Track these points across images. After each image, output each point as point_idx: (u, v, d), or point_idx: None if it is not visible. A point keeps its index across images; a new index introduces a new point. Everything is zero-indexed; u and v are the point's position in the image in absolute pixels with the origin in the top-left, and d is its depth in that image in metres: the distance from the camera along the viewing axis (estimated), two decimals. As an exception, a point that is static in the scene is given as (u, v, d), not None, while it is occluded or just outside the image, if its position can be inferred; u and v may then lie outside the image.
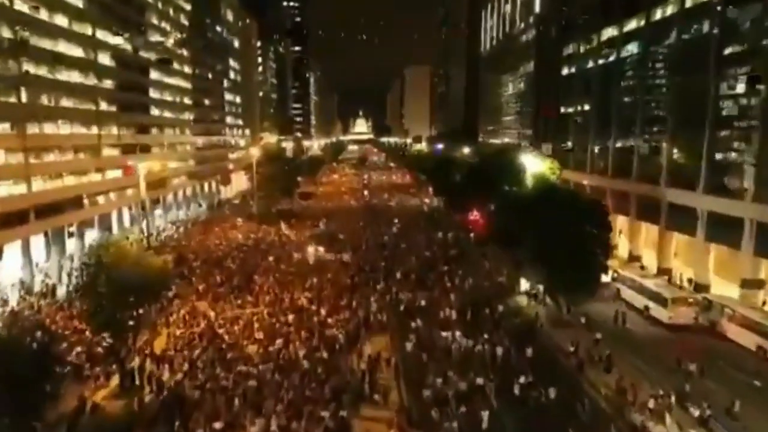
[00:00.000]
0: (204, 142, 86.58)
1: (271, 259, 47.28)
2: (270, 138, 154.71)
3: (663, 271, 45.04)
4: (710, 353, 29.30)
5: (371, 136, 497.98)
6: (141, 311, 27.12)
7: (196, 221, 70.77)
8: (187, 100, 78.67)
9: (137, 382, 24.69)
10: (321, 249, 51.76)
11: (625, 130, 53.23)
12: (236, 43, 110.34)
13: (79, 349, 25.72)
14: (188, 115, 79.59)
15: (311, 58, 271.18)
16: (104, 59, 53.45)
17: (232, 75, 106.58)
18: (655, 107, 48.95)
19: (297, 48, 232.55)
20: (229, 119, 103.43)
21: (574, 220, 32.31)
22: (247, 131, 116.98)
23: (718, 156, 39.04)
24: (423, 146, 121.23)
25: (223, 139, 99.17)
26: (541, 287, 38.32)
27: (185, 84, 77.67)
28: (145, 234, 52.49)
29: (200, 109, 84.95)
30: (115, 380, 24.78)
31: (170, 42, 70.49)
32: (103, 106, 53.52)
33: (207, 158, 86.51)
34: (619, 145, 54.08)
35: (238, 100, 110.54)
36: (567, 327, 34.04)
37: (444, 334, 28.32)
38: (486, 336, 28.51)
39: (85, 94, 49.82)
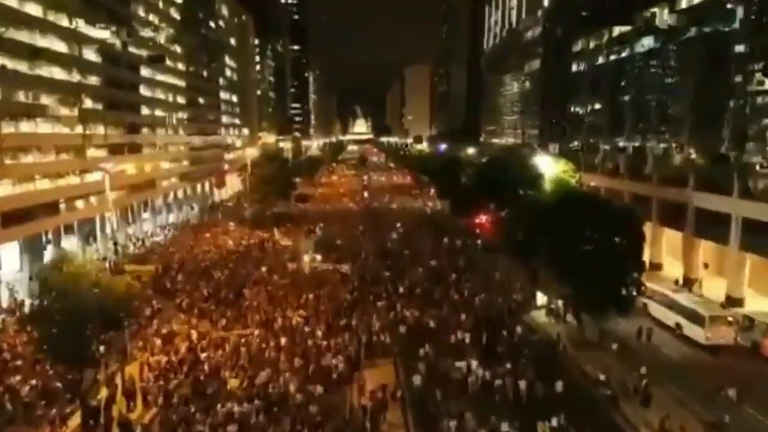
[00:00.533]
0: (198, 142, 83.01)
1: (263, 269, 43.72)
2: (268, 138, 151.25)
3: (688, 282, 41.62)
4: (753, 378, 25.89)
5: (371, 136, 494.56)
6: (109, 336, 23.58)
7: (187, 225, 67.23)
8: (180, 99, 75.14)
9: (102, 422, 21.19)
10: (318, 257, 48.24)
11: (642, 129, 50.01)
12: (232, 41, 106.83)
13: (33, 382, 22.15)
14: (182, 114, 76.03)
15: (310, 57, 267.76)
16: (89, 54, 49.87)
17: (228, 73, 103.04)
18: (678, 103, 45.56)
19: (296, 47, 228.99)
20: (225, 119, 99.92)
21: (603, 229, 28.83)
22: (245, 131, 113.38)
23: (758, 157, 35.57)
24: (424, 146, 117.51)
25: (219, 139, 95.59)
26: (560, 302, 34.93)
27: (178, 82, 74.14)
28: (122, 244, 49.26)
29: (195, 108, 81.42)
30: (75, 420, 21.28)
31: (162, 38, 66.90)
32: (89, 104, 49.92)
33: (201, 159, 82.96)
34: (636, 144, 50.82)
35: (234, 99, 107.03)
36: (592, 349, 30.57)
37: (458, 364, 24.73)
38: (507, 366, 24.91)
39: (68, 92, 46.22)
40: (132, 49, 59.09)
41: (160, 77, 67.36)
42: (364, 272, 42.62)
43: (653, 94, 45.35)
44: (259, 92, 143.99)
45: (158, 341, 28.95)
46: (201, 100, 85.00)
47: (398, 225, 63.19)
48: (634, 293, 29.50)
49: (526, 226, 35.52)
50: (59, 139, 45.80)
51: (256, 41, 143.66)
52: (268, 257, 48.84)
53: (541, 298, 37.14)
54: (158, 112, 67.27)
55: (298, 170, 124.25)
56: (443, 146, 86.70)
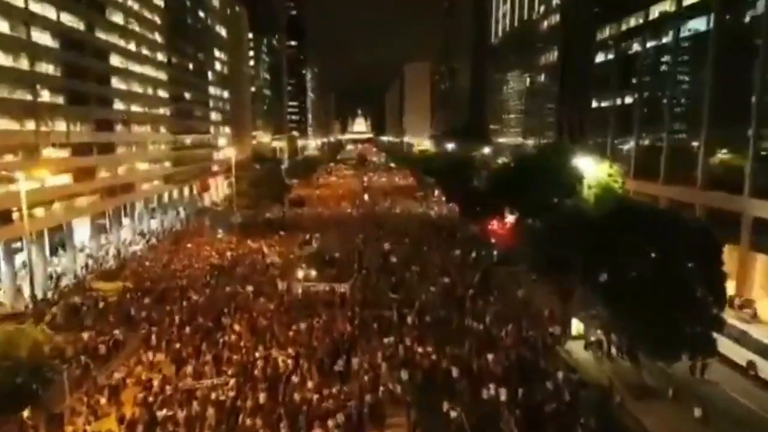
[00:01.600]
0: (183, 140, 76.37)
1: (249, 288, 37.22)
2: (264, 137, 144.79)
3: (743, 304, 35.24)
4: None
5: (370, 135, 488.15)
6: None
7: (169, 233, 60.69)
8: (162, 93, 68.52)
9: None
10: (313, 273, 41.82)
11: (682, 126, 43.60)
12: (223, 33, 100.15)
13: None
14: (164, 110, 69.41)
15: (308, 54, 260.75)
16: (44, 38, 43.24)
17: (218, 67, 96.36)
18: (731, 96, 39.03)
19: (293, 43, 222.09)
20: (214, 116, 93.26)
21: (672, 250, 22.53)
22: (235, 129, 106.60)
23: None
24: (427, 145, 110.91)
25: (208, 137, 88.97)
26: (599, 331, 28.84)
27: (159, 74, 67.51)
28: (95, 256, 42.49)
29: (179, 104, 74.80)
30: None
31: (137, 24, 60.29)
32: (45, 96, 43.33)
33: (188, 159, 76.33)
34: (676, 141, 44.39)
35: (225, 95, 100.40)
36: (653, 398, 24.33)
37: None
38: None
39: (17, 82, 39.63)
40: (101, 35, 52.46)
41: (137, 68, 60.73)
42: (366, 293, 36.15)
43: (699, 86, 38.69)
44: (253, 89, 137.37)
45: (103, 397, 22.45)
46: (187, 95, 78.40)
47: (402, 232, 56.91)
48: (714, 333, 23.17)
49: (564, 240, 29.22)
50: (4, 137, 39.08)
51: (250, 35, 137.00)
52: (257, 273, 42.37)
53: (575, 325, 31.05)
54: (135, 108, 60.62)
55: (295, 171, 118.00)
56: (450, 145, 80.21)
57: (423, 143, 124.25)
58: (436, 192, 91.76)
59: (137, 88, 61.13)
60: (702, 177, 40.28)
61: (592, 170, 30.32)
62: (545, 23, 78.07)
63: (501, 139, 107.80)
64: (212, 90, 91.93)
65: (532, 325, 30.65)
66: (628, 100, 53.46)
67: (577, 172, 29.84)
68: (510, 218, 59.73)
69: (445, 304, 34.15)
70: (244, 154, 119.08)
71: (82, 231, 51.97)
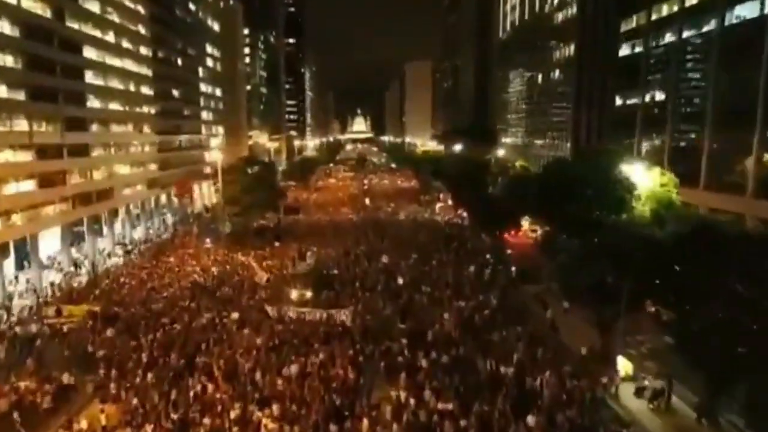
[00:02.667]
0: (171, 141, 70.91)
1: (235, 316, 31.75)
2: (260, 136, 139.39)
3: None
4: None
5: (370, 135, 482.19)
6: None
7: (153, 244, 55.20)
8: (146, 90, 63.04)
9: None
10: (308, 294, 36.52)
11: (727, 125, 38.31)
12: (216, 27, 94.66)
13: None
14: (148, 109, 63.93)
15: (307, 53, 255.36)
16: (1, 26, 37.78)
17: (210, 63, 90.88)
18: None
19: (291, 41, 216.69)
20: (205, 115, 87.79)
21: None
22: (227, 128, 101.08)
23: None
24: (431, 146, 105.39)
25: (199, 137, 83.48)
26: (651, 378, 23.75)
27: (143, 69, 62.03)
28: (65, 271, 36.73)
29: (166, 102, 69.36)
30: None
31: (116, 14, 54.84)
32: (2, 91, 37.87)
33: (175, 161, 70.85)
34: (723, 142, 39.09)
35: (218, 93, 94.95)
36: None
37: None
38: None
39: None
40: (73, 25, 47.01)
41: (116, 62, 55.25)
42: (369, 322, 30.70)
43: (748, 79, 33.34)
44: (249, 87, 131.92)
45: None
46: (175, 93, 72.94)
47: (408, 245, 51.47)
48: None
49: (615, 264, 24.03)
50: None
51: (246, 31, 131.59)
52: (244, 294, 36.91)
53: (621, 363, 25.89)
54: (114, 106, 55.15)
55: (292, 173, 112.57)
56: (458, 147, 74.84)
57: (426, 144, 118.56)
58: (441, 195, 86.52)
59: (117, 84, 55.67)
60: (754, 183, 34.96)
61: (642, 178, 24.97)
62: (560, 16, 72.67)
63: (506, 140, 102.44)
64: (204, 87, 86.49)
65: (573, 368, 25.20)
66: (660, 96, 48.17)
67: (626, 182, 24.44)
68: (527, 226, 54.68)
69: (463, 337, 28.74)
70: (239, 155, 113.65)
71: (51, 243, 46.63)
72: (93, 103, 50.90)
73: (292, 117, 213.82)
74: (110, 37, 54.10)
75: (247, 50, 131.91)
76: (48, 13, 42.86)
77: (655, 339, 29.62)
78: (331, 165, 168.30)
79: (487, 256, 47.42)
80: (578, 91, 67.45)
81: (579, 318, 32.11)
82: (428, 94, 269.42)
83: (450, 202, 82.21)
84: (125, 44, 57.39)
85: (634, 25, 52.73)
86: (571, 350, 28.84)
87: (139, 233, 61.19)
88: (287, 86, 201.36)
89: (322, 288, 37.55)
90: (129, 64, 58.41)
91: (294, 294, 36.87)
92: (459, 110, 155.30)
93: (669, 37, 46.32)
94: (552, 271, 31.85)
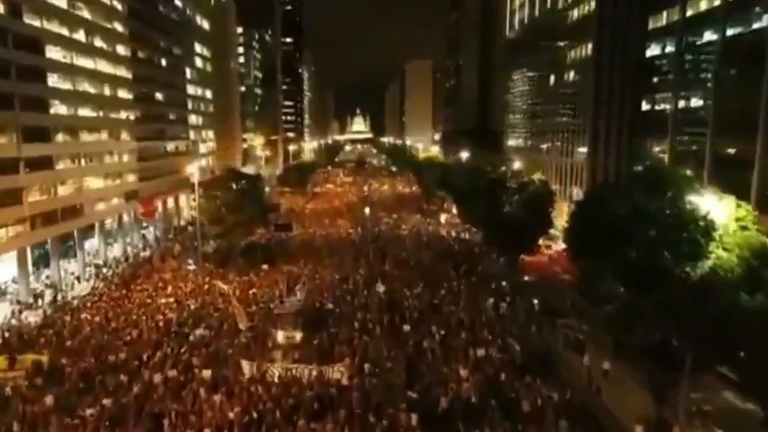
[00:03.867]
0: (154, 148, 65.27)
1: (206, 375, 26.16)
2: (256, 139, 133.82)
3: None
4: None
5: (370, 136, 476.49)
6: None
7: (128, 266, 49.52)
8: (124, 93, 57.42)
9: None
10: (297, 336, 31.16)
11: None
12: (205, 25, 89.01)
13: None
14: (126, 114, 58.31)
15: (305, 52, 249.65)
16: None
17: (199, 63, 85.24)
18: None
19: (288, 39, 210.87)
20: (193, 119, 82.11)
21: None
22: (218, 133, 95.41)
23: None
24: (435, 151, 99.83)
25: (186, 143, 77.84)
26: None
27: (120, 71, 56.40)
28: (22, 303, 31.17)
29: (148, 106, 63.74)
30: None
31: (86, 9, 49.18)
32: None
33: (158, 170, 65.23)
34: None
35: (208, 94, 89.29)
36: None
37: None
38: None
39: None
40: (33, 22, 41.37)
41: (87, 63, 49.61)
42: (371, 385, 25.14)
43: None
44: (243, 88, 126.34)
45: None
46: (158, 96, 67.29)
47: (414, 268, 46.00)
48: None
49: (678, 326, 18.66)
50: None
51: (240, 30, 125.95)
52: (221, 337, 31.34)
53: None
54: (85, 112, 49.50)
55: (287, 179, 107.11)
56: (464, 154, 69.30)
57: (429, 149, 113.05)
58: (445, 204, 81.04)
59: (88, 87, 50.01)
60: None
61: (713, 208, 19.50)
62: (575, 13, 67.06)
63: (510, 142, 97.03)
64: (191, 89, 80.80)
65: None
66: (697, 101, 42.74)
67: (702, 222, 18.92)
68: (542, 242, 49.10)
69: (484, 403, 23.26)
70: (232, 159, 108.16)
71: (7, 269, 41.06)
72: (58, 109, 45.24)
73: (289, 118, 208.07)
74: (80, 36, 48.44)
75: (241, 50, 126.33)
76: (0, 9, 37.20)
77: (723, 401, 24.30)
78: (330, 168, 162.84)
79: (503, 283, 42.00)
80: (597, 93, 61.83)
81: (624, 372, 26.80)
82: (429, 93, 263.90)
83: (455, 210, 76.94)
84: (98, 43, 51.72)
85: (664, 22, 47.23)
86: (620, 423, 23.38)
87: (116, 251, 55.66)
88: (284, 87, 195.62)
89: (315, 328, 32.10)
90: (103, 66, 52.76)
91: (281, 336, 31.44)
92: (461, 111, 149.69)
93: (709, 35, 40.87)
94: (586, 313, 26.34)
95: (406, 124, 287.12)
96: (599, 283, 23.78)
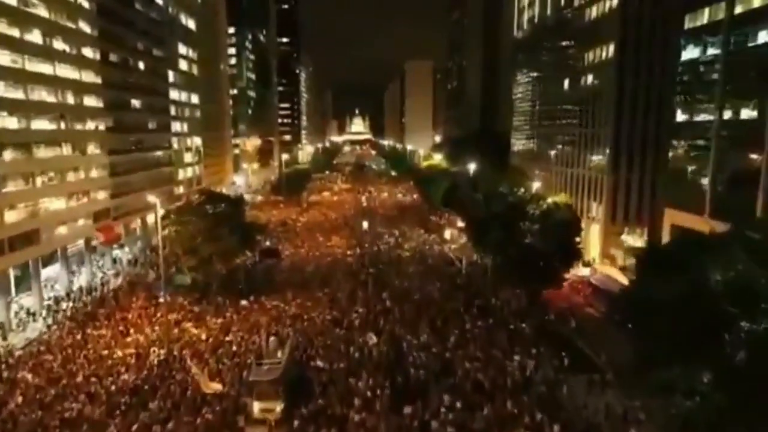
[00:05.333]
0: (130, 161, 59.14)
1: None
2: (248, 144, 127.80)
3: None
4: None
5: (369, 136, 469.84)
6: None
7: (92, 302, 43.23)
8: (92, 101, 51.28)
9: None
10: (278, 409, 25.34)
11: None
12: (191, 25, 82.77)
13: None
14: (95, 124, 52.17)
15: (302, 52, 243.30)
16: None
17: (184, 66, 79.05)
18: None
19: (284, 40, 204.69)
20: (178, 126, 75.94)
21: None
22: (206, 139, 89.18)
23: None
24: (438, 159, 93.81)
25: (169, 153, 71.69)
26: None
27: (87, 76, 50.25)
28: None
29: (122, 114, 57.61)
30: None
31: (42, 6, 42.99)
32: None
33: (134, 185, 59.11)
34: None
35: (194, 99, 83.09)
36: None
37: None
38: None
39: None
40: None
41: (44, 68, 43.42)
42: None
43: None
44: (235, 91, 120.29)
45: None
46: (135, 103, 61.11)
47: (417, 303, 39.91)
48: None
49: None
50: None
51: (232, 30, 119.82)
52: (186, 410, 25.27)
53: None
54: (41, 124, 43.33)
55: (280, 188, 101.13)
56: (471, 166, 63.33)
57: (432, 156, 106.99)
58: (448, 216, 74.95)
59: (46, 96, 43.87)
60: None
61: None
62: (593, 10, 60.94)
63: (515, 149, 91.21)
64: (175, 94, 74.60)
65: None
66: (750, 111, 36.79)
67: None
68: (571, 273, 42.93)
69: None
70: (222, 167, 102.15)
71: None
72: (5, 122, 39.04)
73: (285, 121, 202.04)
74: (34, 37, 42.27)
75: (232, 51, 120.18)
76: None
77: None
78: (327, 172, 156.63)
79: (523, 325, 35.96)
80: (619, 99, 55.76)
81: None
82: (429, 95, 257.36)
83: (459, 222, 70.99)
84: (59, 45, 45.55)
85: (705, 20, 41.26)
86: None
87: (83, 279, 49.52)
88: (280, 88, 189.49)
89: (299, 398, 26.14)
90: (66, 71, 46.59)
91: (257, 408, 25.51)
92: (464, 113, 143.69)
93: (765, 36, 34.94)
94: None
95: (406, 125, 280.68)
96: (661, 367, 17.85)
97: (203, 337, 34.81)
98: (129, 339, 34.21)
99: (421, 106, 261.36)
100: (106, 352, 32.46)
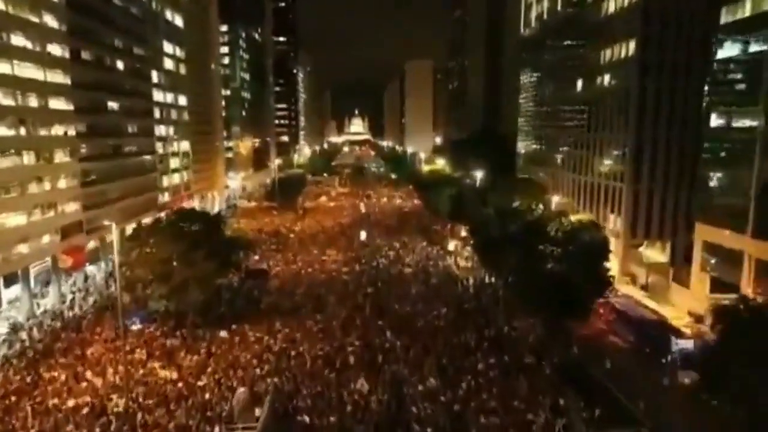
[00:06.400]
0: (105, 169, 54.28)
1: None
2: (242, 147, 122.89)
3: None
4: None
5: (368, 137, 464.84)
6: None
7: (51, 336, 38.20)
8: (59, 104, 46.36)
9: None
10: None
11: None
12: (178, 22, 77.82)
13: None
14: (65, 130, 47.28)
15: (300, 52, 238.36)
16: None
17: (170, 65, 74.10)
18: None
19: (281, 39, 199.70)
20: (163, 129, 71.01)
21: None
22: (195, 144, 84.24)
23: None
24: (441, 164, 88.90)
25: (153, 159, 66.78)
26: None
27: (54, 76, 45.34)
28: None
29: (96, 118, 52.78)
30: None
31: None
32: None
33: (111, 196, 54.25)
34: None
35: (182, 101, 78.18)
36: None
37: None
38: None
39: None
40: None
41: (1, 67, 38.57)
42: None
43: None
44: (228, 92, 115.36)
45: None
46: (113, 105, 56.23)
47: (422, 338, 34.96)
48: None
49: None
50: None
51: (224, 28, 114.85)
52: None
53: None
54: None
55: (273, 195, 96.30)
56: (479, 173, 58.43)
57: (435, 161, 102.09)
58: (452, 226, 70.10)
59: (1, 98, 38.93)
60: None
61: None
62: (610, 5, 56.09)
63: (521, 151, 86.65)
64: (159, 95, 69.67)
65: None
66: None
67: None
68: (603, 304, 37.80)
69: None
70: (213, 171, 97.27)
71: None
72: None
73: (283, 122, 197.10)
74: (-12, 32, 37.43)
75: (225, 50, 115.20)
76: None
77: None
78: (325, 175, 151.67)
79: (543, 363, 31.09)
80: (641, 102, 50.96)
81: None
82: (429, 95, 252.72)
83: (464, 231, 66.29)
84: (20, 42, 40.64)
85: (747, 13, 36.47)
86: None
87: (50, 301, 44.62)
88: (277, 88, 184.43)
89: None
90: (27, 70, 41.68)
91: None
92: (467, 115, 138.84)
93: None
94: None
95: (406, 126, 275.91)
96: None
97: (174, 377, 30.02)
98: (85, 384, 29.27)
99: (421, 106, 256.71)
100: (56, 401, 27.55)
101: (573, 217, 33.73)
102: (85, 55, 50.11)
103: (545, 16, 75.38)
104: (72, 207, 47.77)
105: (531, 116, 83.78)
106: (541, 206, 38.33)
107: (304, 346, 33.61)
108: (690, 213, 48.96)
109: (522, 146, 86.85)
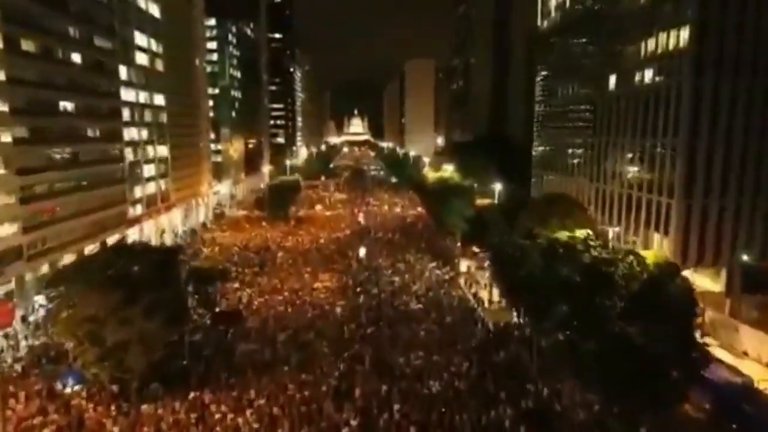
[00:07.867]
0: (56, 180, 45.77)
1: None
2: (232, 149, 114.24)
3: None
4: None
5: (368, 137, 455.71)
6: None
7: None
8: (-9, 104, 37.86)
9: None
10: None
11: None
12: (154, 12, 69.14)
13: None
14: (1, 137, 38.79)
15: (297, 50, 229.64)
16: None
17: (143, 60, 65.38)
18: None
19: (277, 35, 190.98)
20: (134, 133, 62.39)
21: None
22: (175, 149, 75.60)
23: None
24: (449, 170, 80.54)
25: (121, 167, 58.20)
26: None
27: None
28: None
29: (42, 120, 44.25)
30: None
31: None
32: None
33: (63, 213, 45.70)
34: None
35: (158, 100, 69.56)
36: None
37: None
38: None
39: None
40: None
41: None
42: None
43: None
44: (216, 90, 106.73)
45: None
46: (66, 105, 47.69)
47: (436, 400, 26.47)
48: None
49: None
50: None
51: (212, 21, 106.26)
52: None
53: None
54: None
55: (263, 204, 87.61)
56: (498, 186, 50.26)
57: (441, 167, 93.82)
58: (461, 244, 61.75)
59: None
60: None
61: None
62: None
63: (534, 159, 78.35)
64: (129, 94, 61.01)
65: None
66: None
67: None
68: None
69: None
70: (197, 177, 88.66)
71: None
72: None
73: (279, 122, 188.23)
74: None
75: (213, 45, 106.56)
76: None
77: None
78: (323, 178, 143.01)
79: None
80: (695, 104, 42.52)
81: None
82: (430, 95, 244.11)
83: (475, 248, 58.06)
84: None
85: None
86: None
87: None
88: (272, 87, 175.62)
89: None
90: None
91: None
92: (471, 116, 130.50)
93: None
94: None
95: (406, 126, 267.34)
96: None
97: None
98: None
99: (422, 107, 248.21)
100: None
101: (647, 258, 25.02)
102: (25, 45, 41.50)
103: (567, 4, 66.90)
104: (7, 229, 39.14)
105: (547, 118, 75.45)
106: (597, 240, 29.77)
107: (284, 429, 25.15)
108: (753, 232, 41.04)
109: (537, 152, 78.48)
